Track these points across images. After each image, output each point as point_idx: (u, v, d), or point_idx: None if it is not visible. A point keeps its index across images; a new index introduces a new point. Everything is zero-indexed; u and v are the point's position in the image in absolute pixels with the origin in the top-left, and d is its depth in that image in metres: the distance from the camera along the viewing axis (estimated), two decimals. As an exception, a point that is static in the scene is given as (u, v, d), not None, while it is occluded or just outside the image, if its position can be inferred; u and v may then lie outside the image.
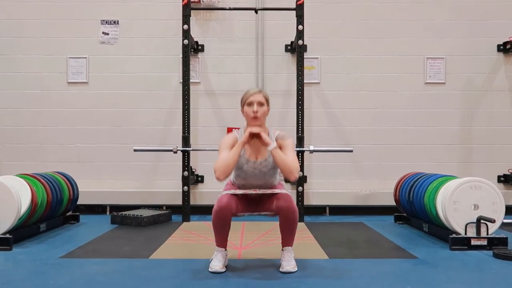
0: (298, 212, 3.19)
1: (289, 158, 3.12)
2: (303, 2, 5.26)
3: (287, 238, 3.22)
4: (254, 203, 3.29)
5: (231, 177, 3.37)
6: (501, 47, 5.94)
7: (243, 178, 3.26)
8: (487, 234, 3.81)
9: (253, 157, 3.21)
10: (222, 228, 3.17)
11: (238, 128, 5.61)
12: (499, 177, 5.89)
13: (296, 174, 3.10)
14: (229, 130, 5.69)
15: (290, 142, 3.24)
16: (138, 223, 4.93)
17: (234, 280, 3.00)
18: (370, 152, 5.93)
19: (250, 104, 3.20)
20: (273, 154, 3.11)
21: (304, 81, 5.40)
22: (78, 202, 5.28)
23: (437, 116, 5.95)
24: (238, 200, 3.22)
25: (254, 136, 3.15)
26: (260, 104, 3.20)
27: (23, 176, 4.34)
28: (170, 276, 3.09)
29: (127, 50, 5.97)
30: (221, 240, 3.22)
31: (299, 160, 5.31)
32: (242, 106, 3.26)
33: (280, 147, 3.18)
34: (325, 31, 5.95)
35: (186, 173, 5.28)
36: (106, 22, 5.98)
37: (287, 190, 3.26)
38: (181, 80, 5.41)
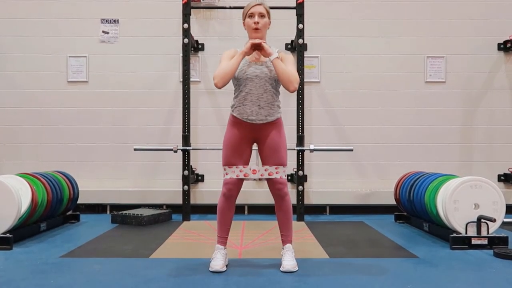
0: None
1: (290, 69, 3.14)
2: (303, 1, 5.25)
3: (284, 228, 3.26)
4: (254, 135, 3.26)
5: (232, 104, 3.29)
6: (502, 45, 5.93)
7: (244, 85, 3.19)
8: (488, 233, 3.81)
9: (255, 61, 3.23)
10: (226, 213, 3.23)
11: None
12: (499, 176, 5.89)
13: (296, 84, 3.12)
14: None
15: (291, 57, 3.28)
16: (139, 222, 4.93)
17: (234, 279, 3.00)
18: (370, 151, 5.93)
19: (252, 15, 3.25)
20: (274, 64, 3.13)
21: (305, 80, 5.39)
22: (78, 202, 5.28)
23: (438, 115, 5.95)
24: (239, 143, 3.23)
25: (256, 48, 3.17)
26: (261, 15, 3.25)
27: (23, 175, 4.34)
28: (170, 276, 3.09)
29: (127, 49, 5.96)
30: (224, 230, 3.26)
31: (299, 160, 5.31)
32: (244, 19, 3.31)
33: (281, 60, 3.19)
34: (325, 30, 5.95)
35: (186, 172, 5.27)
36: (106, 21, 5.97)
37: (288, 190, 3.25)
38: (181, 79, 5.41)
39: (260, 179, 3.33)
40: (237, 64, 3.13)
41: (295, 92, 5.33)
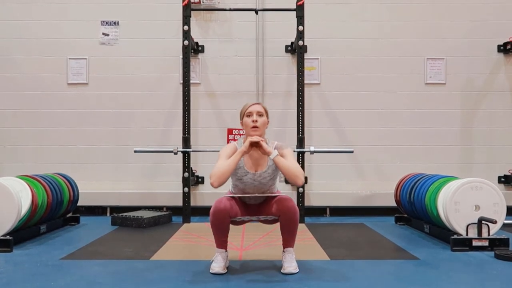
0: (299, 213, 3.18)
1: (292, 164, 3.12)
2: (303, 3, 5.26)
3: (288, 240, 3.22)
4: (253, 208, 3.30)
5: (230, 187, 3.38)
6: (502, 47, 5.94)
7: (242, 188, 3.26)
8: (489, 235, 3.80)
9: (253, 169, 3.21)
10: (220, 230, 3.16)
11: (239, 130, 5.61)
12: (499, 177, 5.89)
13: (302, 178, 3.11)
14: (230, 131, 5.70)
15: (290, 151, 3.25)
16: (139, 224, 4.92)
17: (235, 281, 2.99)
18: (371, 153, 5.93)
19: (249, 114, 3.21)
20: (276, 161, 3.10)
21: (305, 82, 5.39)
22: (78, 204, 5.27)
23: (438, 117, 5.95)
24: (237, 203, 3.22)
25: (254, 146, 3.14)
26: (260, 114, 3.22)
27: (23, 177, 4.34)
28: (171, 278, 3.08)
29: (127, 51, 5.97)
30: (221, 242, 3.21)
31: (299, 161, 5.30)
32: (241, 118, 3.27)
33: (281, 156, 3.16)
34: (326, 32, 5.95)
35: (186, 174, 5.27)
36: (106, 23, 5.97)
37: (287, 192, 3.26)
38: (181, 81, 5.41)
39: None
40: (235, 165, 3.09)
41: (295, 94, 5.35)
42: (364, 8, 5.98)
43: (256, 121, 3.18)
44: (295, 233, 3.21)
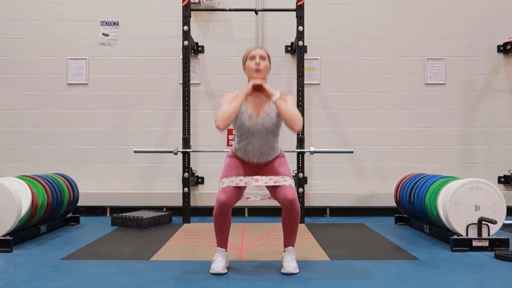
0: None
1: (292, 109, 3.14)
2: (303, 3, 5.26)
3: (289, 236, 3.22)
4: (256, 168, 3.28)
5: (233, 146, 3.34)
6: (501, 47, 5.93)
7: (245, 137, 3.23)
8: (489, 235, 3.80)
9: (255, 113, 3.22)
10: (223, 225, 3.16)
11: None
12: (499, 178, 5.89)
13: (300, 123, 3.13)
14: (230, 131, 5.70)
15: (292, 98, 3.27)
16: (139, 224, 4.92)
17: (235, 281, 2.99)
18: (371, 153, 5.93)
19: (252, 58, 3.23)
20: (277, 104, 3.12)
21: (304, 82, 5.39)
22: (78, 204, 5.27)
23: (438, 117, 5.95)
24: (239, 164, 3.23)
25: (257, 89, 3.17)
26: (262, 57, 3.23)
27: (23, 177, 4.34)
28: (171, 278, 3.08)
29: (127, 51, 5.96)
30: (222, 239, 3.22)
31: (299, 162, 5.31)
32: (244, 63, 3.29)
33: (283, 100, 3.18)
34: (325, 32, 5.95)
35: (186, 174, 5.27)
36: (106, 23, 5.97)
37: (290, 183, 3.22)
38: (181, 81, 5.41)
39: (266, 185, 3.22)
40: (239, 107, 3.12)
41: (295, 94, 5.35)
42: (364, 8, 5.98)
43: (259, 64, 3.20)
44: (296, 227, 3.20)
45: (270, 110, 3.21)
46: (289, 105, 3.16)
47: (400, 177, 5.23)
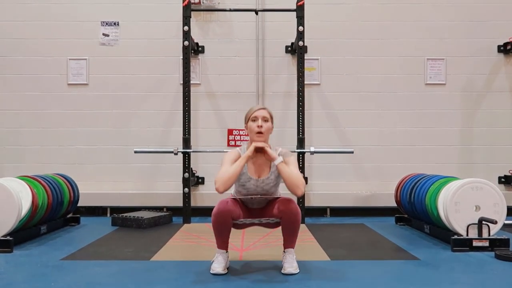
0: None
1: (295, 173, 3.12)
2: (303, 3, 5.26)
3: (290, 240, 3.22)
4: (256, 211, 3.30)
5: (233, 191, 3.37)
6: (502, 48, 5.94)
7: (245, 194, 3.25)
8: (489, 235, 3.80)
9: (256, 175, 3.21)
10: (221, 231, 3.16)
11: (239, 131, 5.61)
12: (500, 178, 5.89)
13: (303, 188, 3.09)
14: (230, 131, 5.71)
15: (293, 159, 3.24)
16: (139, 225, 4.92)
17: (235, 282, 2.99)
18: (371, 153, 5.93)
19: (255, 119, 3.20)
20: (280, 168, 3.10)
21: (305, 82, 5.39)
22: (79, 204, 5.27)
23: (438, 117, 5.95)
24: (239, 205, 3.22)
25: (259, 151, 3.14)
26: (265, 119, 3.21)
27: (23, 178, 4.34)
28: (171, 278, 3.08)
29: (127, 51, 5.97)
30: (222, 243, 3.21)
31: (300, 161, 5.30)
32: (246, 122, 3.26)
33: (284, 163, 3.16)
34: (326, 32, 5.95)
35: (186, 174, 5.27)
36: (106, 24, 5.98)
37: (287, 193, 3.25)
38: (182, 82, 5.41)
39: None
40: (240, 170, 3.08)
41: (296, 94, 5.35)
42: (364, 8, 5.98)
43: (261, 126, 3.17)
44: (296, 234, 3.21)
45: (271, 173, 3.21)
46: (291, 168, 3.13)
47: (401, 177, 5.23)
